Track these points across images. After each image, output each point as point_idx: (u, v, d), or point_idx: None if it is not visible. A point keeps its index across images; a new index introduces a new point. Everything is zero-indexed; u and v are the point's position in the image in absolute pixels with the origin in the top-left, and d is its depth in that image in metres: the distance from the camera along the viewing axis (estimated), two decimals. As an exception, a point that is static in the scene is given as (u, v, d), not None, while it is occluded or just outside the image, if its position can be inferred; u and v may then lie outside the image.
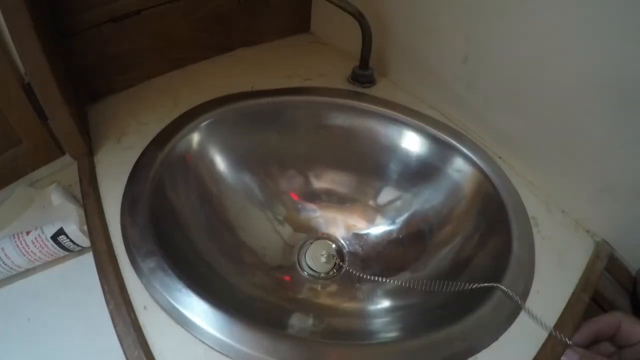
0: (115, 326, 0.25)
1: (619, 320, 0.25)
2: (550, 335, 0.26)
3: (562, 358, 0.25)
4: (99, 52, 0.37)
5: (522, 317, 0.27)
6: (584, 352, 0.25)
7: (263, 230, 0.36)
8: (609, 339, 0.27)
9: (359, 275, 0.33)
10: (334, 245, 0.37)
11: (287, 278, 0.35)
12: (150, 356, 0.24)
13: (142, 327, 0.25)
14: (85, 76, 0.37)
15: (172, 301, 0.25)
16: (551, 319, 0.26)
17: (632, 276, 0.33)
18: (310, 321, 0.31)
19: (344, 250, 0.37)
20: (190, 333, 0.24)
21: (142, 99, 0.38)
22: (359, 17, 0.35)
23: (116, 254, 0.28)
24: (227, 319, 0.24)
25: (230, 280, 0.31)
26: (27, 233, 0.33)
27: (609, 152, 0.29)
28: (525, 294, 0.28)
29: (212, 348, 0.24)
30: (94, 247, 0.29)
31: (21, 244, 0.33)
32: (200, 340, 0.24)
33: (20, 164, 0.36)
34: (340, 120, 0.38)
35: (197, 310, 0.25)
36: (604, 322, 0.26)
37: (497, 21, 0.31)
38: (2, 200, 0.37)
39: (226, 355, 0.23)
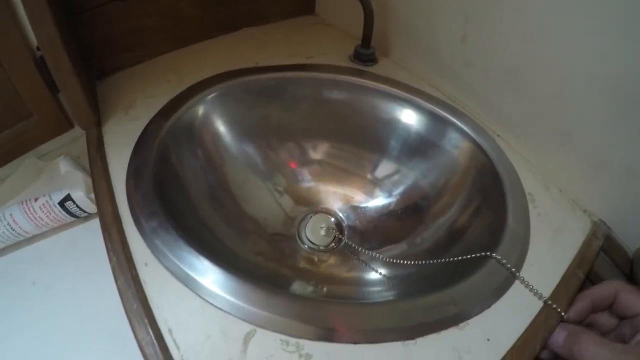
0: (116, 281, 0.26)
1: (615, 289, 0.25)
2: (544, 304, 0.26)
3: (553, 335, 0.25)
4: (107, 29, 0.38)
5: (515, 288, 0.27)
6: (572, 328, 0.25)
7: (264, 202, 0.37)
8: (607, 309, 0.26)
9: (358, 249, 0.33)
10: (333, 219, 0.38)
11: (287, 249, 0.35)
12: (148, 309, 0.24)
13: (142, 283, 0.26)
14: (94, 53, 0.39)
15: (172, 258, 0.26)
16: (545, 292, 0.27)
17: (629, 258, 0.33)
18: (310, 288, 0.32)
19: (343, 224, 0.38)
20: (189, 288, 0.25)
21: (149, 75, 0.39)
22: (361, -4, 0.36)
23: (120, 214, 0.29)
24: (224, 275, 0.25)
25: (231, 247, 0.32)
26: (35, 200, 0.34)
27: (606, 131, 0.29)
28: (519, 266, 0.28)
29: (209, 303, 0.24)
30: (99, 209, 0.30)
31: (29, 210, 0.34)
32: (198, 295, 0.25)
33: (30, 137, 0.38)
34: (341, 96, 0.39)
35: (196, 266, 0.25)
36: (599, 293, 0.25)
37: (496, 1, 0.32)
38: (11, 172, 0.38)
39: (223, 310, 0.24)
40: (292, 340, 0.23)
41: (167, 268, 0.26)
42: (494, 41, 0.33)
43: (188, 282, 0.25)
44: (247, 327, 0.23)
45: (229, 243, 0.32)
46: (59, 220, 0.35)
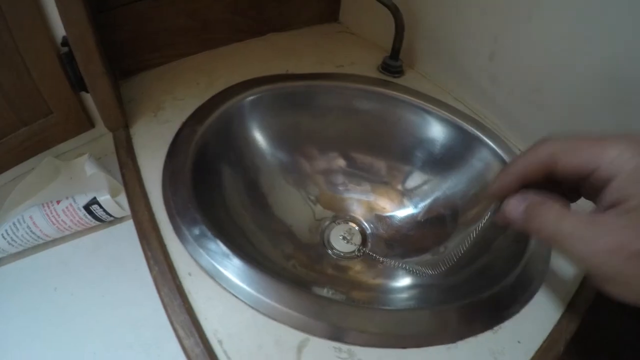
0: (159, 292, 0.26)
1: (550, 156, 0.18)
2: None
3: (506, 207, 0.20)
4: (134, 28, 0.37)
5: (541, 294, 0.29)
6: (533, 199, 0.19)
7: (293, 208, 0.37)
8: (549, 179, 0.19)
9: (379, 259, 0.34)
10: (357, 228, 0.39)
11: (314, 255, 0.36)
12: (196, 321, 0.24)
13: (187, 293, 0.25)
14: (119, 51, 0.37)
15: (219, 267, 0.26)
16: (567, 295, 0.29)
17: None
18: (332, 293, 0.32)
19: (367, 232, 0.39)
20: (238, 298, 0.25)
21: (176, 77, 0.39)
22: (394, 10, 0.37)
23: (158, 221, 0.28)
24: (275, 284, 0.25)
25: (264, 252, 0.32)
26: (58, 202, 0.33)
27: None
28: (544, 273, 0.30)
29: (260, 312, 0.24)
30: (134, 215, 0.29)
31: (51, 213, 0.32)
32: (248, 304, 0.25)
33: (49, 135, 0.36)
34: (371, 106, 0.39)
35: (245, 276, 0.25)
36: (527, 166, 0.19)
37: (525, 23, 0.34)
38: (28, 170, 0.36)
39: (275, 319, 0.24)
40: (345, 347, 0.24)
41: (212, 277, 0.26)
42: (522, 60, 0.35)
43: (237, 292, 0.25)
44: (300, 336, 0.24)
45: (261, 247, 0.33)
46: (82, 225, 0.34)
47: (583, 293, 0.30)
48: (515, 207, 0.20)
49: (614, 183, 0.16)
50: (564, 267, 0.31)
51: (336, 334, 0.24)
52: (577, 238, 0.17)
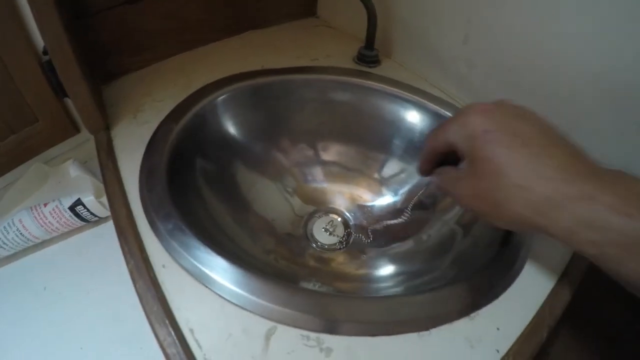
0: (134, 284, 0.27)
1: (431, 143, 0.25)
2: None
3: (432, 179, 0.27)
4: (114, 33, 0.38)
5: (521, 279, 0.28)
6: (439, 170, 0.26)
7: (273, 202, 0.38)
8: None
9: (366, 241, 0.34)
10: (339, 219, 0.39)
11: (296, 249, 0.36)
12: (168, 310, 0.25)
13: (161, 284, 0.26)
14: (100, 57, 0.39)
15: (190, 259, 0.26)
16: (551, 279, 0.28)
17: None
18: (318, 286, 0.32)
19: (350, 223, 0.38)
20: (209, 288, 0.25)
21: (156, 79, 0.40)
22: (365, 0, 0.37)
23: (135, 217, 0.29)
24: (244, 274, 0.25)
25: (243, 247, 0.32)
26: (45, 205, 0.34)
27: (602, 134, 0.30)
28: (525, 257, 0.29)
29: (229, 302, 0.25)
30: (113, 213, 0.30)
31: (39, 216, 0.34)
32: (218, 294, 0.25)
33: (36, 142, 0.37)
34: (347, 97, 0.39)
35: (215, 266, 0.26)
36: (428, 154, 0.26)
37: (499, 4, 0.33)
38: (18, 178, 0.38)
39: (243, 308, 0.24)
40: (313, 335, 0.24)
41: (185, 269, 0.26)
42: (496, 42, 0.34)
43: (207, 282, 0.25)
44: (268, 324, 0.24)
45: (241, 242, 0.33)
46: (69, 225, 0.35)
47: (568, 277, 0.29)
48: (434, 179, 0.27)
49: (460, 151, 0.23)
50: (547, 250, 0.30)
51: (304, 322, 0.24)
52: (453, 191, 0.24)
